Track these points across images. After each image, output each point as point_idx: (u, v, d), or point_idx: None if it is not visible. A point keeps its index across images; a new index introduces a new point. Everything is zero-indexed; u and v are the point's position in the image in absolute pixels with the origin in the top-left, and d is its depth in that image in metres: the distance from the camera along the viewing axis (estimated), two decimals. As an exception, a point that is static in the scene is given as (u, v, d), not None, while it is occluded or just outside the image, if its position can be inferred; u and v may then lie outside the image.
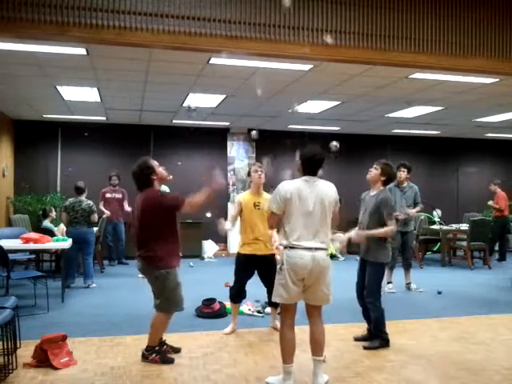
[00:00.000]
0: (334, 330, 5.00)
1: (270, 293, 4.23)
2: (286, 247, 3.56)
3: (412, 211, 7.13)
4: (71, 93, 7.75)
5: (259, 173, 4.93)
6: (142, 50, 5.02)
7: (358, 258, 4.84)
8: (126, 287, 7.30)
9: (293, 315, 3.63)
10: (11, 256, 6.24)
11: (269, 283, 4.48)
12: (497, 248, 10.57)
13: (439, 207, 11.01)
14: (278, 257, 4.23)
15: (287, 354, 3.56)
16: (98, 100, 8.26)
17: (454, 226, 10.20)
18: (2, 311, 3.75)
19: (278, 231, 3.83)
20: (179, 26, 4.27)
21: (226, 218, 11.50)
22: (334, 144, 6.32)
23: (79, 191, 7.47)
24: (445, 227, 10.18)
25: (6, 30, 4.03)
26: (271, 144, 10.64)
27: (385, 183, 4.67)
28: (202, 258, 10.57)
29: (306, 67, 6.05)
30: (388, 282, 7.00)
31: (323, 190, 3.60)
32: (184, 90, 7.53)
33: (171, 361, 4.13)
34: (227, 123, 10.87)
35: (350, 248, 11.31)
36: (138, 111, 9.39)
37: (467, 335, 5.02)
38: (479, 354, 4.44)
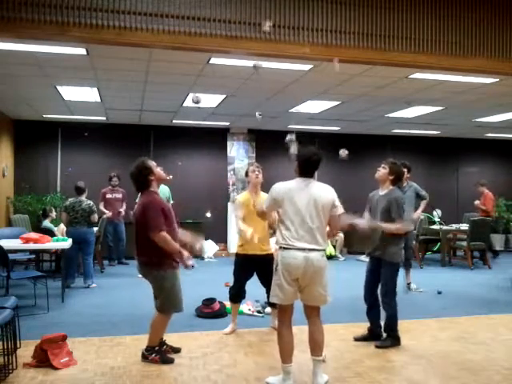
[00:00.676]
0: (334, 330, 5.00)
1: (269, 293, 4.23)
2: (280, 247, 3.59)
3: (417, 214, 7.26)
4: (71, 93, 7.75)
5: (256, 173, 4.95)
6: (141, 50, 5.02)
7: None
8: (125, 287, 7.30)
9: (290, 315, 3.64)
10: (11, 256, 6.24)
11: (267, 283, 4.47)
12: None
13: (439, 207, 11.00)
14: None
15: (286, 353, 3.57)
16: (98, 100, 8.26)
17: (454, 226, 10.20)
18: (2, 311, 3.75)
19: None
20: (179, 25, 4.27)
21: (225, 218, 11.54)
22: (343, 150, 6.32)
23: (79, 191, 7.48)
24: (445, 227, 10.18)
25: (6, 30, 4.03)
26: (271, 144, 10.63)
27: (393, 182, 4.68)
28: (202, 258, 10.57)
29: (306, 67, 6.05)
30: (408, 283, 7.21)
31: (317, 192, 3.60)
32: (184, 90, 7.53)
33: (171, 361, 4.13)
34: (227, 123, 10.87)
35: (351, 248, 11.39)
36: (138, 111, 9.39)
37: (467, 335, 5.02)
38: (479, 354, 4.44)
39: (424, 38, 4.86)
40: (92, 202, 7.49)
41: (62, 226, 7.83)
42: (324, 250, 3.63)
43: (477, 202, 10.22)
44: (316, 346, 3.64)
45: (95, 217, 7.45)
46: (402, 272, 7.19)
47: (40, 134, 10.57)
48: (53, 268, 8.33)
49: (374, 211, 4.67)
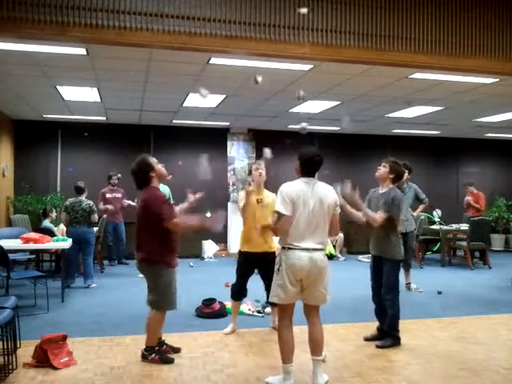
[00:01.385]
0: (334, 330, 5.00)
1: (269, 291, 4.23)
2: (284, 248, 3.57)
3: (417, 212, 7.27)
4: (71, 93, 7.75)
5: (260, 171, 4.96)
6: (141, 49, 5.02)
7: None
8: (126, 287, 7.30)
9: (290, 315, 3.63)
10: (11, 256, 6.24)
11: (269, 281, 4.47)
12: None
13: (439, 207, 11.00)
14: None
15: (286, 353, 3.56)
16: (98, 100, 8.26)
17: (454, 226, 10.19)
18: (2, 311, 3.75)
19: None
20: (179, 25, 4.27)
21: (225, 218, 11.49)
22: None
23: (79, 191, 7.48)
24: (445, 227, 10.17)
25: (6, 30, 4.03)
26: (271, 144, 10.61)
27: (393, 181, 4.69)
28: (202, 258, 10.57)
29: (306, 67, 6.05)
30: (407, 283, 7.20)
31: (323, 192, 3.61)
32: (184, 90, 7.53)
33: (171, 361, 4.13)
34: (227, 123, 10.87)
35: (351, 248, 11.39)
36: (138, 111, 9.39)
37: (467, 335, 5.02)
38: (479, 354, 4.44)
39: (424, 38, 4.86)
40: (92, 202, 7.49)
41: (62, 226, 7.83)
42: (325, 250, 3.64)
43: (469, 199, 10.15)
44: (316, 346, 3.64)
45: (95, 217, 7.45)
46: (401, 272, 7.24)
47: (40, 133, 10.56)
48: (53, 268, 8.33)
49: (373, 208, 4.68)
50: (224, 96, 7.89)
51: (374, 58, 4.81)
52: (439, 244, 10.52)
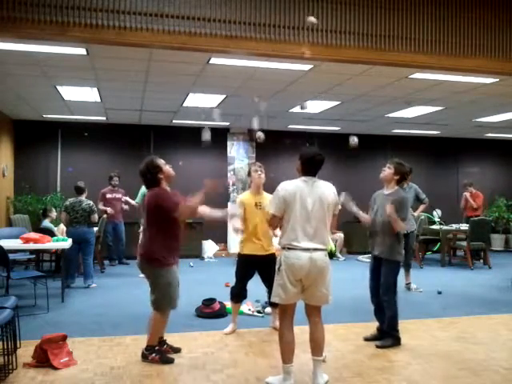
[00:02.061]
0: (334, 330, 5.00)
1: (270, 292, 4.23)
2: (283, 248, 3.57)
3: (417, 212, 7.27)
4: (71, 93, 7.75)
5: (259, 173, 4.93)
6: (141, 50, 5.02)
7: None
8: (126, 287, 7.29)
9: (291, 315, 3.63)
10: (11, 256, 6.24)
11: (270, 283, 4.47)
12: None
13: (439, 207, 11.00)
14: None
15: (287, 354, 3.56)
16: (98, 100, 8.26)
17: (454, 226, 10.19)
18: (2, 311, 3.75)
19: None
20: (179, 25, 4.28)
21: (225, 218, 11.46)
22: (353, 138, 6.23)
23: (79, 191, 7.47)
24: (445, 227, 10.17)
25: (6, 30, 4.04)
26: (271, 144, 10.64)
27: (398, 182, 4.70)
28: (202, 258, 10.57)
29: (306, 67, 6.05)
30: (407, 283, 7.20)
31: (322, 191, 3.60)
32: (184, 90, 7.54)
33: (171, 361, 4.12)
34: (227, 123, 10.87)
35: (351, 248, 11.39)
36: (138, 111, 9.39)
37: (467, 335, 5.02)
38: (479, 354, 4.44)
39: (424, 38, 4.86)
40: (92, 202, 7.49)
41: (62, 226, 7.82)
42: (326, 250, 3.64)
43: (466, 194, 10.12)
44: (316, 346, 3.63)
45: (95, 217, 7.45)
46: (401, 272, 7.24)
47: (40, 133, 10.56)
48: (53, 268, 8.33)
49: (378, 211, 4.67)
50: (224, 96, 7.89)
51: (374, 58, 4.81)
52: (439, 244, 10.52)
